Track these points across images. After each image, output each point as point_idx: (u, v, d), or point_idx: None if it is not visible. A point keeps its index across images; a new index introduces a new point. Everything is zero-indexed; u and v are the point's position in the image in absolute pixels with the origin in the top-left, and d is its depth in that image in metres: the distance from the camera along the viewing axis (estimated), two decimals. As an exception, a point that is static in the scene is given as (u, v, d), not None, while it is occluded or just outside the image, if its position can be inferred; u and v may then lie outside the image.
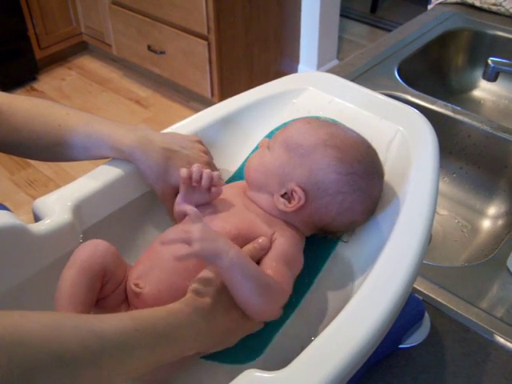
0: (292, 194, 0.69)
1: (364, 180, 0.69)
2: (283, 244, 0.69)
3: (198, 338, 0.59)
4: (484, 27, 1.47)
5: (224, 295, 0.61)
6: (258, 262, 0.67)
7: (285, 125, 0.84)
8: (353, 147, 0.69)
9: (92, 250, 0.66)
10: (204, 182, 0.71)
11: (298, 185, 0.69)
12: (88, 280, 0.64)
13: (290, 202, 0.70)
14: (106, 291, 0.67)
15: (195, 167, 0.72)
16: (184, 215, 0.74)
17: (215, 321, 0.60)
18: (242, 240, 0.67)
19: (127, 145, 0.76)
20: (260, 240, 0.68)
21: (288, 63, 3.16)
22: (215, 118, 0.85)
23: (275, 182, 0.71)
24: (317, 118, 0.74)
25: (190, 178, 0.71)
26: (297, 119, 0.84)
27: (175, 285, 0.66)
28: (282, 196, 0.70)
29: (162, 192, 0.78)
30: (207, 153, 0.82)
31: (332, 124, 0.74)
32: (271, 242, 0.69)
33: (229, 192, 0.75)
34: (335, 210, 0.69)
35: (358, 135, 0.73)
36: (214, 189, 0.72)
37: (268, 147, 0.73)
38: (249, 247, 0.67)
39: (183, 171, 0.71)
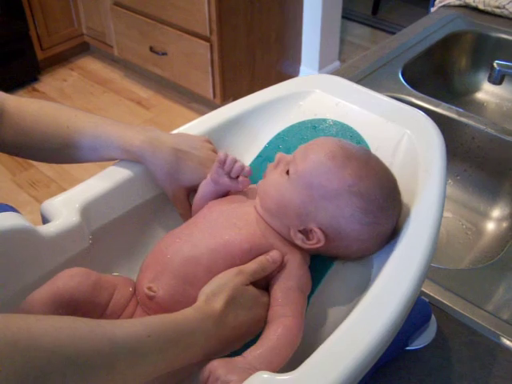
0: (311, 231, 0.67)
1: (385, 225, 0.68)
2: (297, 270, 0.68)
3: (208, 345, 0.59)
4: (487, 30, 1.47)
5: (234, 302, 0.62)
6: (268, 277, 0.68)
7: (292, 127, 0.84)
8: (377, 191, 0.66)
9: (65, 281, 0.64)
10: (234, 171, 0.73)
11: (318, 226, 0.66)
12: (51, 308, 0.62)
13: (308, 239, 0.68)
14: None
15: (230, 157, 0.73)
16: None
17: (225, 327, 0.60)
18: (254, 253, 0.67)
19: (137, 146, 0.76)
20: (272, 253, 0.67)
21: (290, 65, 3.17)
22: (222, 120, 0.85)
23: (294, 217, 0.68)
24: (342, 145, 0.68)
25: (224, 162, 0.73)
26: (304, 120, 0.84)
27: (186, 291, 0.66)
28: (300, 231, 0.68)
29: (173, 193, 0.78)
30: (217, 152, 0.82)
31: (357, 156, 0.68)
32: (283, 261, 0.68)
33: (240, 199, 0.75)
34: (354, 249, 0.69)
35: (383, 169, 0.69)
36: (241, 178, 0.73)
37: (287, 173, 0.69)
38: (261, 259, 0.67)
39: (221, 154, 0.73)
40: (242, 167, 0.74)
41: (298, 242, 0.68)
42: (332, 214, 0.66)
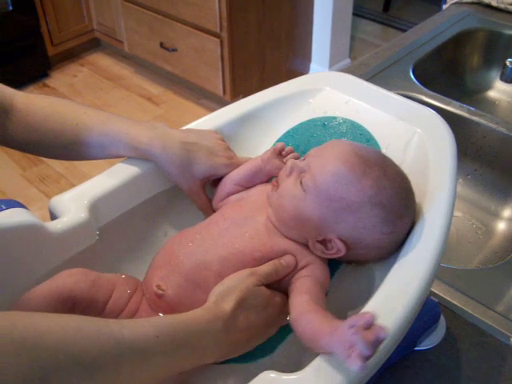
0: (330, 241, 0.66)
1: (404, 230, 0.67)
2: (319, 271, 0.68)
3: (217, 346, 0.58)
4: (500, 27, 1.46)
5: (245, 303, 0.61)
6: (283, 281, 0.67)
7: (301, 125, 0.84)
8: (397, 200, 0.65)
9: (64, 279, 0.65)
10: (288, 156, 0.77)
11: (338, 237, 0.65)
12: (49, 304, 0.63)
13: (326, 248, 0.67)
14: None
15: (289, 147, 0.79)
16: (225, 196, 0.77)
17: (235, 330, 0.60)
18: (266, 260, 0.67)
19: (145, 143, 0.76)
20: (286, 257, 0.67)
21: (300, 62, 3.16)
22: (233, 117, 0.85)
23: (312, 229, 0.66)
24: (357, 152, 0.67)
25: (282, 149, 0.78)
26: (313, 117, 0.84)
27: (195, 294, 0.66)
28: (319, 241, 0.67)
29: (188, 187, 0.78)
30: (224, 140, 0.82)
31: (375, 164, 0.66)
32: (298, 265, 0.68)
33: (254, 207, 0.73)
34: (372, 255, 0.69)
35: (399, 174, 0.68)
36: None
37: (301, 182, 0.67)
38: (274, 262, 0.66)
39: (280, 143, 0.79)
40: (297, 156, 0.78)
41: (318, 253, 0.67)
42: (353, 225, 0.65)
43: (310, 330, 0.58)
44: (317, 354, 0.55)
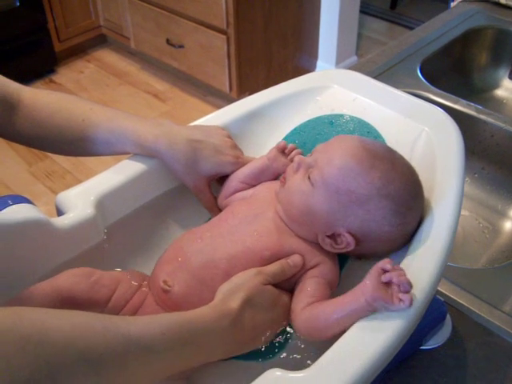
0: (340, 235, 0.66)
1: (413, 223, 0.67)
2: (328, 271, 0.68)
3: (223, 344, 0.59)
4: (509, 25, 1.45)
5: (251, 301, 0.61)
6: (289, 280, 0.67)
7: (309, 122, 0.83)
8: (406, 191, 0.65)
9: (65, 279, 0.65)
10: (292, 153, 0.77)
11: (347, 231, 0.65)
12: (49, 302, 0.63)
13: (336, 243, 0.67)
14: None
15: (290, 145, 0.79)
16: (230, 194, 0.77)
17: (241, 328, 0.60)
18: (275, 260, 0.67)
19: (152, 141, 0.75)
20: (293, 257, 0.67)
21: (306, 59, 3.15)
22: (240, 114, 0.85)
23: (321, 223, 0.66)
24: (365, 145, 0.67)
25: (285, 148, 0.78)
26: (321, 115, 0.84)
27: (202, 292, 0.66)
28: (328, 236, 0.67)
29: (194, 185, 0.78)
30: (231, 137, 0.81)
31: (383, 156, 0.66)
32: (306, 265, 0.68)
33: (263, 204, 0.73)
34: (381, 249, 0.68)
35: (407, 166, 0.68)
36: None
37: (309, 178, 0.67)
38: (281, 262, 0.66)
39: (282, 142, 0.79)
40: (300, 152, 0.78)
41: (327, 247, 0.67)
42: (362, 218, 0.65)
43: (332, 310, 0.59)
44: (321, 353, 0.55)
